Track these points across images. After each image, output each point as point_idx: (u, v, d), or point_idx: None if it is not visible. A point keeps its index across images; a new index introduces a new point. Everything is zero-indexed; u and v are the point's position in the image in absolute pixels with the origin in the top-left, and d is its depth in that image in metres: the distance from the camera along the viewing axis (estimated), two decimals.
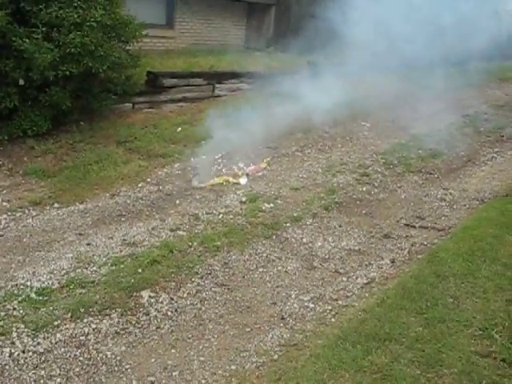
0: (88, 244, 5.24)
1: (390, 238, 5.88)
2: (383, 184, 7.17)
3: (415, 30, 10.05)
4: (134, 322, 4.25)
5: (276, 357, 3.94)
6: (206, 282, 4.82)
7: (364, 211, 6.43)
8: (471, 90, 12.61)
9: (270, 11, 13.35)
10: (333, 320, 4.40)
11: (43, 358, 3.81)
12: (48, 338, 3.98)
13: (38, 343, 3.92)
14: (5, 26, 6.20)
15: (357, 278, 5.06)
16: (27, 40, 6.12)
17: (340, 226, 6.00)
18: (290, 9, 12.44)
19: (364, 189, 6.94)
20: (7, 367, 3.70)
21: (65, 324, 4.12)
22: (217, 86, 9.73)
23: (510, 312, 4.32)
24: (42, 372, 3.71)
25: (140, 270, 4.79)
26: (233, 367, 3.85)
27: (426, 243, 5.76)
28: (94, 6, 6.49)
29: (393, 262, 5.40)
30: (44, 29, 6.30)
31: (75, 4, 6.41)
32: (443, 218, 6.45)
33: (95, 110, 7.52)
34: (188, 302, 4.54)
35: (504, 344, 3.91)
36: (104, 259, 4.96)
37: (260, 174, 7.23)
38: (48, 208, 5.96)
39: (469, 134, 9.65)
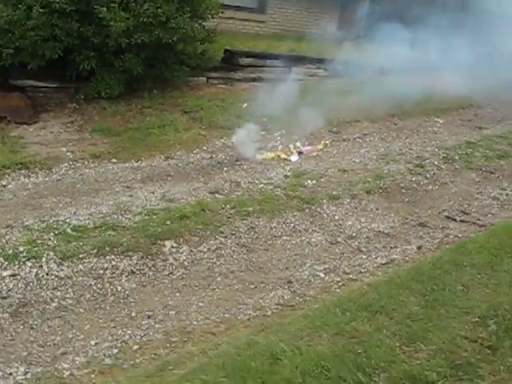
0: (130, 195, 5.68)
1: (425, 226, 5.86)
2: (435, 176, 7.10)
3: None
4: (150, 265, 4.62)
5: (269, 313, 4.16)
6: (229, 241, 5.10)
7: (407, 199, 6.43)
8: None
9: (365, 1, 13.32)
10: (337, 290, 4.53)
11: (62, 282, 4.27)
12: (71, 266, 4.43)
13: (62, 270, 4.38)
14: None
15: (376, 258, 5.13)
16: (105, 8, 6.65)
17: (377, 209, 6.06)
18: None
19: (414, 179, 6.91)
20: (31, 284, 4.20)
21: (89, 258, 4.56)
22: (293, 69, 9.92)
23: None
24: (58, 293, 4.16)
25: (169, 222, 5.15)
26: (226, 315, 4.11)
27: (460, 236, 5.69)
28: None
29: (419, 248, 5.41)
30: None
31: None
32: (489, 215, 6.32)
33: (168, 79, 7.99)
34: (205, 256, 4.84)
35: (496, 333, 3.86)
36: (140, 209, 5.36)
37: (314, 154, 7.38)
38: (106, 162, 6.49)
39: None
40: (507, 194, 6.94)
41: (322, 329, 3.78)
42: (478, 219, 6.17)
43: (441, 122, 9.54)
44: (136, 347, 3.72)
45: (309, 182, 6.38)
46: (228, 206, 5.57)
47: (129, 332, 3.86)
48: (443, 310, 4.14)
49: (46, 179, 6.00)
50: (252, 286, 4.50)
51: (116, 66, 7.31)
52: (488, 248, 5.12)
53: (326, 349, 3.51)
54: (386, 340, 3.70)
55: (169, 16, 6.98)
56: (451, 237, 5.67)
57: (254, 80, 9.55)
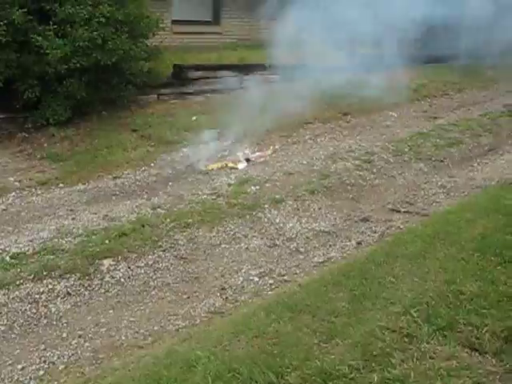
0: (73, 218, 5.77)
1: (367, 221, 5.95)
2: (383, 170, 7.21)
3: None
4: (86, 285, 4.70)
5: (198, 321, 4.25)
6: (167, 254, 5.18)
7: (351, 196, 6.53)
8: None
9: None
10: (270, 293, 4.62)
11: None
12: (7, 294, 4.51)
13: None
14: (24, 24, 6.88)
15: (314, 257, 5.22)
16: (40, 37, 6.78)
17: (319, 209, 6.15)
18: None
19: (360, 174, 7.02)
20: None
21: (25, 283, 4.64)
22: (245, 77, 10.05)
23: (440, 292, 4.31)
24: None
25: (107, 241, 5.24)
26: (155, 328, 4.20)
27: (402, 227, 5.78)
28: (103, 2, 7.04)
29: (359, 243, 5.50)
30: (56, 26, 6.96)
31: (84, 1, 6.99)
32: (434, 204, 6.42)
33: (116, 100, 8.10)
34: (142, 271, 4.93)
35: (416, 321, 3.93)
36: (81, 231, 5.45)
37: (262, 160, 7.48)
38: (53, 188, 6.59)
39: (502, 124, 9.35)
40: (455, 181, 7.05)
41: (243, 332, 3.85)
42: (423, 209, 6.27)
43: (395, 115, 9.65)
44: (62, 367, 3.81)
45: (252, 188, 6.48)
46: (168, 220, 5.66)
47: (57, 353, 3.95)
48: (369, 303, 4.19)
49: None
50: (185, 297, 4.59)
51: (60, 92, 7.43)
52: (423, 237, 5.20)
53: (242, 352, 3.58)
54: (304, 338, 3.75)
55: (105, 38, 7.10)
56: (393, 229, 5.77)
57: (205, 92, 9.68)
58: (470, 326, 3.61)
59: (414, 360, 3.39)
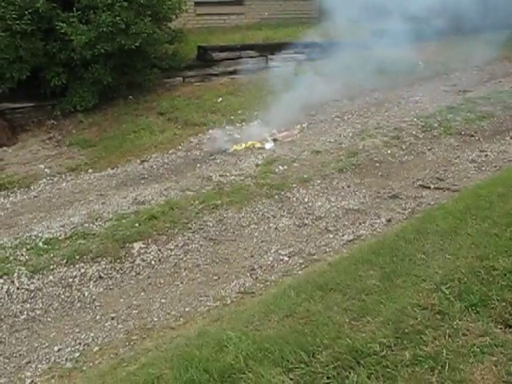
0: (103, 203, 5.84)
1: (397, 198, 5.88)
2: (412, 146, 7.10)
3: None
4: (117, 269, 4.77)
5: (229, 302, 4.27)
6: (196, 236, 5.21)
7: (380, 173, 6.46)
8: None
9: None
10: (299, 272, 4.61)
11: (32, 295, 4.46)
12: (41, 278, 4.61)
13: (32, 283, 4.57)
14: (49, 12, 6.93)
15: (343, 236, 5.19)
16: (65, 24, 6.83)
17: (348, 187, 6.10)
18: None
19: (389, 151, 6.93)
20: (2, 300, 4.39)
21: (59, 268, 4.73)
22: (270, 57, 9.98)
23: (472, 268, 4.25)
24: (28, 305, 4.36)
25: (137, 225, 5.29)
26: (187, 309, 4.24)
27: (433, 204, 5.71)
28: None
29: (389, 221, 5.45)
30: (79, 12, 6.98)
31: None
32: (465, 179, 6.31)
33: (142, 84, 8.13)
34: (173, 253, 4.98)
35: (448, 298, 3.88)
36: (111, 215, 5.52)
37: (289, 139, 7.44)
38: (82, 173, 6.67)
39: None
40: (486, 155, 6.91)
41: (274, 312, 3.86)
42: (453, 184, 6.17)
43: (422, 90, 9.48)
44: (96, 349, 3.88)
45: (280, 167, 6.45)
46: (197, 202, 5.69)
47: (92, 335, 4.02)
48: (400, 281, 4.15)
49: (24, 197, 6.20)
50: (215, 278, 4.62)
51: (86, 78, 7.49)
52: (454, 213, 5.11)
53: (273, 332, 3.58)
54: (335, 317, 3.73)
55: (128, 22, 7.12)
56: (423, 205, 5.69)
57: (230, 73, 9.65)
58: (503, 302, 3.55)
59: (446, 337, 3.34)
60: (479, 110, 8.38)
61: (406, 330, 3.50)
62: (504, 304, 3.52)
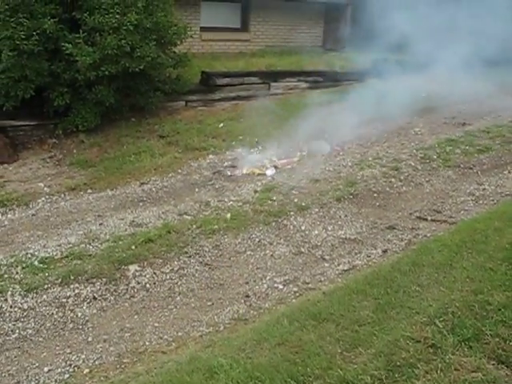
0: (100, 224, 5.85)
1: (393, 229, 5.90)
2: (410, 178, 7.14)
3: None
4: (112, 290, 4.76)
5: (222, 328, 4.27)
6: (192, 260, 5.22)
7: (378, 203, 6.48)
8: None
9: (346, 11, 13.47)
10: (294, 300, 4.61)
11: (25, 314, 4.46)
12: (35, 298, 4.61)
13: (26, 301, 4.57)
14: (56, 33, 7.03)
15: (339, 265, 5.19)
16: (70, 45, 6.93)
17: (345, 216, 6.12)
18: (365, 8, 12.47)
19: (387, 182, 6.96)
20: None
21: (53, 287, 4.73)
22: (273, 84, 10.09)
23: (467, 302, 4.24)
24: (20, 324, 4.35)
25: (134, 247, 5.30)
26: (179, 334, 4.23)
27: (429, 235, 5.72)
28: (131, 11, 7.15)
29: (385, 251, 5.45)
30: (85, 34, 7.09)
31: (113, 10, 7.11)
32: (462, 212, 6.33)
33: (145, 107, 8.20)
34: (168, 277, 4.97)
35: (441, 331, 3.87)
36: (108, 236, 5.54)
37: (289, 166, 7.48)
38: (82, 193, 6.70)
39: None
40: (484, 189, 6.94)
41: (266, 340, 3.85)
42: (450, 217, 6.19)
43: (423, 121, 9.55)
44: (87, 371, 3.86)
45: (278, 195, 6.49)
46: (194, 226, 5.70)
47: (83, 357, 4.00)
48: (394, 313, 4.15)
49: (22, 215, 6.21)
50: (209, 303, 4.61)
51: (89, 99, 7.57)
52: (450, 245, 5.13)
53: (264, 360, 3.57)
54: (327, 347, 3.73)
55: (133, 46, 7.22)
56: (420, 237, 5.70)
57: (233, 99, 9.74)
58: (496, 337, 3.55)
59: (439, 371, 3.34)
60: (478, 144, 8.43)
61: (398, 363, 3.49)
62: (497, 339, 3.52)
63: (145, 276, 4.96)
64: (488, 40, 10.09)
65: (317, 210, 6.21)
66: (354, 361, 3.56)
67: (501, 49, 10.31)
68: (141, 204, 6.40)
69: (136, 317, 4.45)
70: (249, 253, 5.39)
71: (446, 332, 3.80)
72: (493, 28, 10.07)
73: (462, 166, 7.64)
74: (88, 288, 4.75)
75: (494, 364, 3.32)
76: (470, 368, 3.31)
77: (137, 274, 4.98)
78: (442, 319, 3.99)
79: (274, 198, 6.41)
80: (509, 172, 7.58)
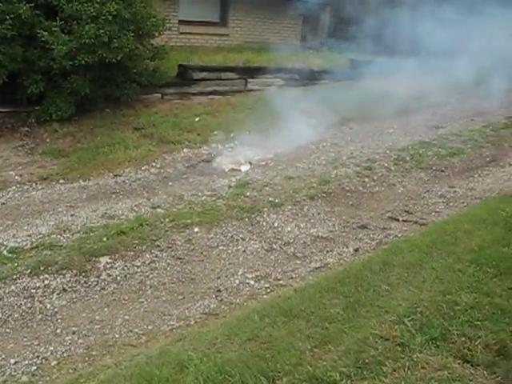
0: (72, 215, 5.78)
1: (365, 228, 5.95)
2: (383, 178, 7.21)
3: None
4: (82, 282, 4.71)
5: (193, 322, 4.26)
6: (164, 254, 5.20)
7: (351, 202, 6.53)
8: None
9: (325, 10, 13.53)
10: (265, 296, 4.63)
11: None
12: (3, 288, 4.53)
13: None
14: (31, 18, 6.92)
15: (310, 263, 5.22)
16: (46, 32, 6.82)
17: (318, 214, 6.16)
18: (344, 8, 12.56)
19: (360, 181, 7.02)
20: None
21: (22, 278, 4.66)
22: (250, 80, 10.09)
23: (435, 302, 4.31)
24: None
25: (105, 239, 5.26)
26: (149, 327, 4.21)
27: (400, 236, 5.79)
28: (110, 0, 7.07)
29: (356, 250, 5.50)
30: (62, 22, 6.99)
31: None
32: (433, 213, 6.41)
33: (120, 98, 8.12)
34: (139, 270, 4.94)
35: (409, 330, 3.93)
36: (79, 228, 5.48)
37: (264, 163, 7.49)
38: (53, 183, 6.60)
39: (504, 136, 9.36)
40: (455, 192, 7.04)
41: (237, 335, 3.86)
42: (421, 218, 6.27)
43: (397, 123, 9.65)
44: (55, 363, 3.81)
45: (252, 191, 6.50)
46: (167, 220, 5.68)
47: (51, 349, 3.96)
48: (364, 311, 4.19)
49: None
50: (180, 297, 4.60)
51: (64, 88, 7.46)
52: (420, 246, 5.20)
53: (234, 355, 3.58)
54: (297, 343, 3.76)
55: (111, 36, 7.14)
56: (391, 237, 5.76)
57: (210, 93, 9.71)
58: (463, 337, 3.61)
59: (406, 369, 3.39)
60: (450, 147, 8.56)
61: (367, 361, 3.53)
62: (463, 339, 3.59)
63: (116, 268, 4.92)
64: (467, 44, 10.27)
65: (290, 207, 6.23)
66: (324, 357, 3.59)
67: (479, 53, 10.50)
68: (114, 196, 6.34)
69: (106, 309, 4.42)
70: (221, 248, 5.39)
71: (414, 331, 3.86)
72: (473, 32, 10.26)
73: (434, 168, 7.75)
74: (58, 279, 4.69)
75: (459, 363, 3.38)
76: (436, 366, 3.36)
77: (108, 266, 4.94)
78: (410, 318, 4.05)
79: (248, 194, 6.42)
80: (479, 175, 7.71)
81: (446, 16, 10.78)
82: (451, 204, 6.67)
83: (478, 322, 3.75)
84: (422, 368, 3.35)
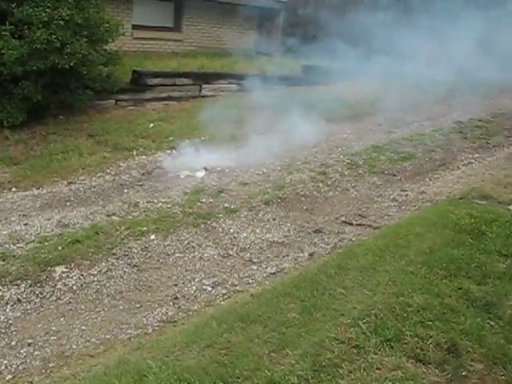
0: (25, 224, 5.69)
1: (320, 233, 6.05)
2: (337, 183, 7.34)
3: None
4: (37, 293, 4.64)
5: (151, 331, 4.26)
6: (121, 262, 5.17)
7: (305, 207, 6.63)
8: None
9: (279, 16, 13.69)
10: (222, 303, 4.66)
11: None
12: None
13: None
14: None
15: (266, 268, 5.28)
16: None
17: (273, 220, 6.23)
18: (297, 14, 12.73)
19: (314, 186, 7.13)
20: None
21: None
22: (204, 86, 10.13)
23: (389, 304, 4.42)
24: None
25: (60, 248, 5.19)
26: (107, 336, 4.19)
27: (354, 239, 5.90)
28: (62, 5, 6.98)
29: (311, 255, 5.59)
30: (12, 26, 6.87)
31: (43, 3, 6.92)
32: (386, 217, 6.56)
33: (73, 104, 8.03)
34: (95, 279, 4.90)
35: (364, 332, 4.02)
36: (33, 237, 5.39)
37: (219, 169, 7.52)
38: (5, 192, 6.48)
39: (453, 140, 9.65)
40: (407, 195, 7.22)
41: (195, 342, 3.88)
42: (375, 221, 6.41)
43: (351, 128, 9.83)
44: (9, 377, 3.76)
45: (207, 197, 6.52)
46: (123, 228, 5.65)
47: (5, 362, 3.89)
48: (319, 315, 4.27)
49: None
50: (138, 305, 4.59)
51: (16, 94, 7.34)
52: (373, 250, 5.31)
53: (193, 362, 3.60)
54: (255, 348, 3.80)
55: (64, 41, 7.06)
56: (345, 241, 5.88)
57: (164, 99, 9.71)
58: (415, 337, 3.73)
59: (361, 371, 3.48)
60: (402, 151, 8.78)
61: (324, 363, 3.61)
62: (416, 339, 3.70)
63: (72, 278, 4.87)
64: (422, 49, 10.55)
65: (245, 213, 6.29)
66: (281, 362, 3.65)
67: (432, 59, 10.80)
68: (68, 204, 6.27)
69: (62, 319, 4.37)
70: (178, 255, 5.39)
71: (369, 333, 3.96)
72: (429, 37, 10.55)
73: (386, 172, 7.93)
74: (12, 290, 4.61)
75: (412, 362, 3.49)
76: (390, 367, 3.47)
77: (63, 275, 4.89)
78: (365, 321, 4.15)
79: (204, 200, 6.45)
80: (429, 179, 7.93)
81: (403, 21, 11.05)
82: (403, 207, 6.84)
83: (430, 322, 3.87)
84: (377, 369, 3.44)
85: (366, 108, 10.58)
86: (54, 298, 4.61)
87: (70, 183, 6.80)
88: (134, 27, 11.50)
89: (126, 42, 10.50)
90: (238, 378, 3.44)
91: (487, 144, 9.70)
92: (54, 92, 7.80)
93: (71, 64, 7.24)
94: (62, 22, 6.99)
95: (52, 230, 5.55)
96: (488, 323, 3.98)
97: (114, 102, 9.16)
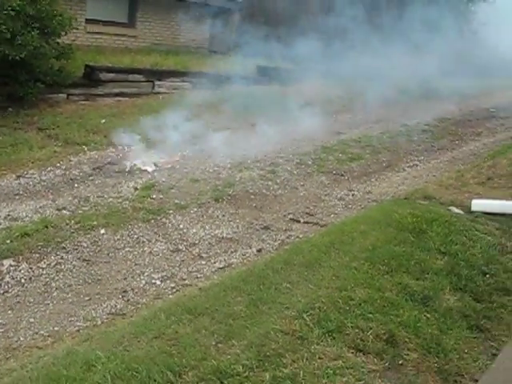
0: None
1: (268, 229, 6.19)
2: (286, 181, 7.51)
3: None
4: None
5: (99, 323, 4.32)
6: (70, 256, 5.20)
7: (255, 204, 6.76)
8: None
9: (234, 16, 13.80)
10: (171, 296, 4.75)
11: None
12: None
13: None
14: None
15: (215, 263, 5.39)
16: None
17: (223, 216, 6.34)
18: (253, 15, 12.88)
19: (264, 184, 7.27)
20: None
21: None
22: (157, 83, 10.16)
23: (332, 298, 4.59)
24: None
25: (8, 241, 5.18)
26: (56, 328, 4.22)
27: (301, 236, 6.07)
28: None
29: (259, 251, 5.72)
30: None
31: None
32: (332, 215, 6.75)
33: (24, 97, 7.95)
34: (44, 272, 4.92)
35: (308, 324, 4.17)
36: None
37: (170, 165, 7.59)
38: None
39: (399, 142, 9.95)
40: (353, 195, 7.45)
41: (144, 334, 3.95)
42: (322, 219, 6.60)
43: (301, 128, 10.01)
44: None
45: (157, 193, 6.60)
46: (72, 222, 5.67)
47: None
48: (265, 308, 4.39)
49: None
50: (87, 298, 4.63)
51: None
52: (319, 246, 5.48)
53: (141, 352, 3.67)
54: (202, 339, 3.90)
55: (15, 33, 6.98)
56: (292, 238, 6.04)
57: (117, 95, 9.69)
58: (356, 329, 3.90)
59: (304, 360, 3.61)
60: (350, 152, 9.02)
61: (268, 353, 3.73)
62: (357, 331, 3.88)
63: (20, 271, 4.88)
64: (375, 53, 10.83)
65: (195, 209, 6.38)
66: (228, 352, 3.76)
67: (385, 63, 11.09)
68: (17, 197, 6.23)
69: (10, 312, 4.38)
70: (127, 249, 5.45)
71: (313, 325, 4.11)
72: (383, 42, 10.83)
73: (334, 172, 8.15)
74: None
75: (352, 352, 3.66)
76: (332, 356, 3.62)
77: (12, 268, 4.89)
78: (309, 313, 4.30)
79: (154, 196, 6.51)
80: (376, 180, 8.19)
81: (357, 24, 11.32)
82: (349, 206, 7.06)
83: (370, 315, 4.05)
84: (319, 358, 3.59)
85: (316, 109, 10.76)
86: (2, 291, 4.62)
87: (19, 177, 6.74)
88: (88, 21, 11.41)
89: (79, 35, 10.40)
90: (185, 367, 3.53)
91: (432, 147, 10.05)
92: (4, 84, 7.71)
93: (22, 56, 7.17)
94: (12, 13, 6.91)
95: (0, 224, 5.51)
96: (424, 315, 4.19)
97: (65, 97, 9.09)
